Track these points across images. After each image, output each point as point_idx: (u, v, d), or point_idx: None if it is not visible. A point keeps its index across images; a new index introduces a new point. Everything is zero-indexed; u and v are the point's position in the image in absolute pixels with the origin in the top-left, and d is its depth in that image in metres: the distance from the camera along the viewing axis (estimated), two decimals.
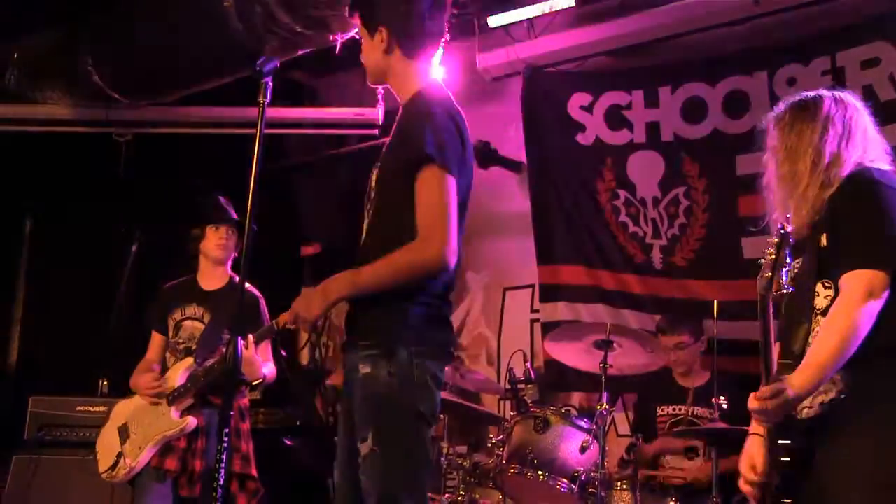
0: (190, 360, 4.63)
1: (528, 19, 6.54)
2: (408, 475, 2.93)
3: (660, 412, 5.34)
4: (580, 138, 6.52)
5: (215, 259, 4.87)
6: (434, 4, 3.16)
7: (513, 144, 6.93)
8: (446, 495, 5.27)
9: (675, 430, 5.02)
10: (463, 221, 3.06)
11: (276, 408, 6.32)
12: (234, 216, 4.85)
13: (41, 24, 6.56)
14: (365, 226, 3.17)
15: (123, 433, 4.70)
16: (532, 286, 6.76)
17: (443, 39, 3.22)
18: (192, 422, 4.53)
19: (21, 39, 6.62)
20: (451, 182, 2.94)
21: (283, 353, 5.06)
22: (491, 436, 5.34)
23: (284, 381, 6.08)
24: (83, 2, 6.38)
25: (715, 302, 5.05)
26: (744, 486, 2.92)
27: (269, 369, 4.73)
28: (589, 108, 6.49)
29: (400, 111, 3.22)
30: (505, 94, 7.00)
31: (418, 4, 3.13)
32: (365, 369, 2.94)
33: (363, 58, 3.25)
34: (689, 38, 6.13)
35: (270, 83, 3.13)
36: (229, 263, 4.95)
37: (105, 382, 6.22)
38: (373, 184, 3.19)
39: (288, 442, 6.34)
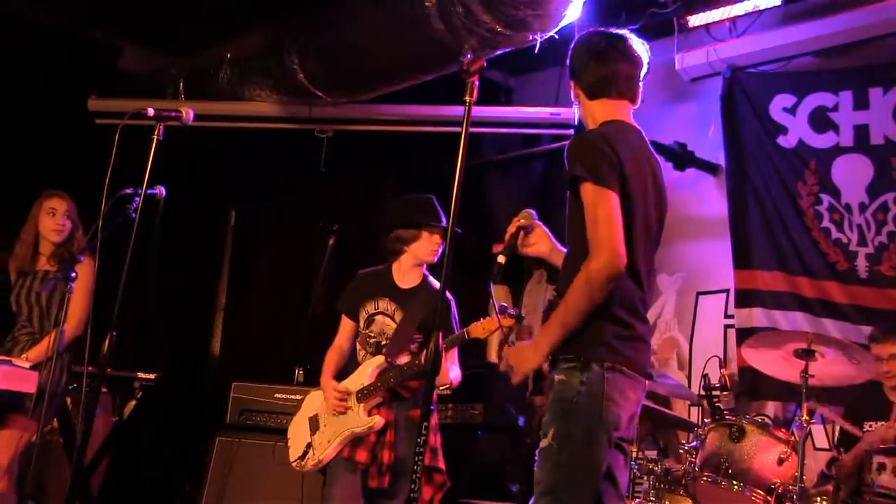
0: (381, 358, 4.65)
1: (731, 18, 6.40)
2: (574, 475, 3.09)
3: (866, 428, 5.10)
4: (782, 141, 6.35)
5: (424, 262, 4.87)
6: (608, 49, 3.41)
7: (710, 146, 6.80)
8: (636, 500, 5.20)
9: (884, 446, 4.78)
10: (657, 226, 3.34)
11: (466, 403, 6.36)
12: (445, 222, 4.85)
13: (251, 25, 6.84)
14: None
15: (314, 424, 4.80)
16: (726, 291, 6.61)
17: (625, 83, 3.41)
18: (380, 421, 4.57)
19: (233, 40, 6.92)
20: (607, 194, 3.12)
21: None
22: (682, 442, 5.24)
23: (474, 377, 6.15)
24: (290, 3, 6.61)
25: None
26: None
27: (454, 373, 4.74)
28: (792, 110, 6.32)
29: None
30: (703, 94, 6.88)
31: (595, 55, 3.41)
32: (560, 376, 3.16)
33: None
34: None
35: (477, 82, 3.17)
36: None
37: (301, 372, 6.42)
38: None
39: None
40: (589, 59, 3.41)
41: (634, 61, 3.41)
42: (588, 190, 3.13)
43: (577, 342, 3.13)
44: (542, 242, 3.46)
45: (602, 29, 3.49)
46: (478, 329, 4.38)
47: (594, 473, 3.10)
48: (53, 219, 5.41)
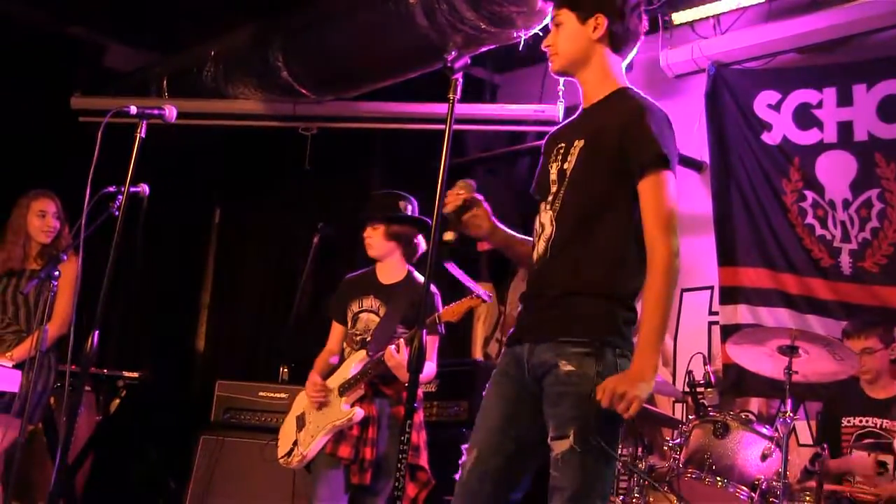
0: (363, 352, 4.66)
1: (715, 15, 6.41)
2: (602, 476, 2.92)
3: (845, 423, 5.12)
4: (766, 138, 6.35)
5: (373, 256, 4.90)
6: (638, 6, 3.16)
7: (695, 143, 6.78)
8: (620, 497, 5.21)
9: (865, 441, 4.81)
10: None
11: (451, 400, 6.35)
12: (383, 214, 4.82)
13: (237, 23, 6.83)
14: (551, 218, 3.07)
15: (300, 422, 4.82)
16: (710, 288, 6.61)
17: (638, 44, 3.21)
18: (359, 413, 4.57)
19: (218, 38, 6.91)
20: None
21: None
22: (667, 438, 5.24)
23: (460, 374, 6.15)
24: (275, 1, 6.60)
25: None
26: None
27: (426, 369, 4.59)
28: (776, 107, 6.31)
29: (594, 106, 3.14)
30: (688, 91, 6.87)
31: (633, 8, 3.13)
32: (569, 366, 2.90)
33: (559, 44, 3.14)
34: (887, 34, 5.90)
35: (461, 79, 3.14)
36: (402, 258, 4.93)
37: (285, 370, 6.41)
38: (554, 176, 3.11)
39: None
40: (632, 6, 3.12)
41: None
42: (669, 175, 2.95)
43: (590, 325, 2.92)
44: (483, 221, 3.17)
45: None
46: (448, 313, 4.38)
47: (614, 468, 3.02)
48: (44, 220, 5.41)
